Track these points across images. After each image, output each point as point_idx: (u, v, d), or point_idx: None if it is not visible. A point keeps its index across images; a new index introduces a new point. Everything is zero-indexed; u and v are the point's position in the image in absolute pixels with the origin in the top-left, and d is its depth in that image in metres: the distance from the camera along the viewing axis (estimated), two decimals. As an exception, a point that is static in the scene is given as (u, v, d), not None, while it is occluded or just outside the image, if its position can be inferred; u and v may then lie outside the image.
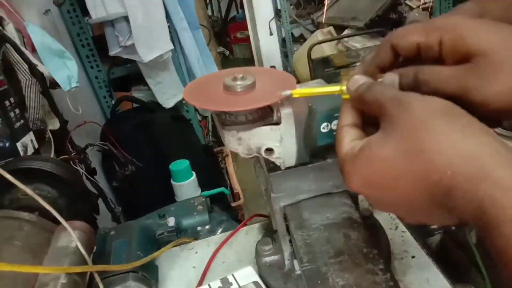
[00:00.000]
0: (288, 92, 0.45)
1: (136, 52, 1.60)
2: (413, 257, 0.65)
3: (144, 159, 1.52)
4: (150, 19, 1.56)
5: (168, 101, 1.85)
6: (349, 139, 0.38)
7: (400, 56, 0.39)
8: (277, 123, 0.50)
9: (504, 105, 0.33)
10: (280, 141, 0.51)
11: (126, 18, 1.57)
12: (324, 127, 0.51)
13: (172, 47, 1.69)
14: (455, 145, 0.29)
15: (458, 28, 0.34)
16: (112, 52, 1.68)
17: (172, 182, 1.43)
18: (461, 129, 0.29)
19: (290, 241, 0.60)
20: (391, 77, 0.39)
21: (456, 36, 0.34)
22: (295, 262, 0.61)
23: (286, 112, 0.49)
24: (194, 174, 1.45)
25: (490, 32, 0.33)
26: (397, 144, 0.31)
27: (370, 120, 0.39)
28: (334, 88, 0.42)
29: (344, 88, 0.41)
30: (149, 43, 1.59)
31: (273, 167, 0.56)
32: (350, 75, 0.42)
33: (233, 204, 1.88)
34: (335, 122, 0.50)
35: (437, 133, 0.30)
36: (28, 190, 0.47)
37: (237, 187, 2.15)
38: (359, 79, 0.39)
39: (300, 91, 0.45)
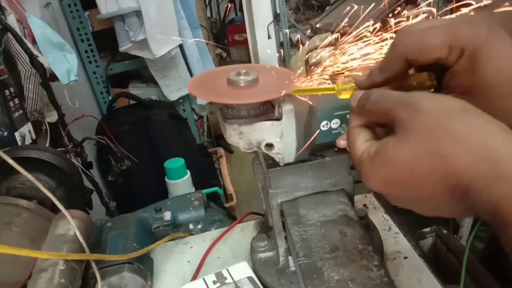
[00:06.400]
0: (288, 90, 0.46)
1: (146, 48, 1.59)
2: (405, 258, 0.66)
3: (140, 155, 1.52)
4: (162, 13, 1.55)
5: (173, 94, 1.86)
6: (363, 140, 0.38)
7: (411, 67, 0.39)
8: (278, 118, 0.51)
9: None
10: (280, 136, 0.52)
11: (136, 13, 1.56)
12: (324, 125, 0.52)
13: (180, 41, 1.68)
14: (472, 146, 0.29)
15: (478, 55, 0.34)
16: (122, 48, 1.67)
17: (167, 179, 1.43)
18: (477, 130, 0.29)
19: (286, 238, 0.60)
20: None
21: (474, 65, 0.34)
22: (290, 258, 0.62)
23: (287, 108, 0.50)
24: (189, 172, 1.45)
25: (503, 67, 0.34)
26: (414, 148, 0.32)
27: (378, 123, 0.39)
28: (330, 88, 0.43)
29: (340, 87, 0.42)
30: (160, 38, 1.59)
31: (272, 164, 0.57)
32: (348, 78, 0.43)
33: (226, 205, 1.88)
34: (334, 120, 0.52)
35: (454, 136, 0.30)
36: (30, 177, 0.48)
37: (230, 188, 2.15)
38: (358, 93, 0.39)
39: (299, 89, 0.46)
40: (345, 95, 0.42)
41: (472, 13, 0.41)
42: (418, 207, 0.36)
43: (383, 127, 0.39)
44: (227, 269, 0.61)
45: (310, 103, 0.51)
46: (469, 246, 0.58)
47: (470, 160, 0.29)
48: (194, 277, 0.68)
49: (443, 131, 0.30)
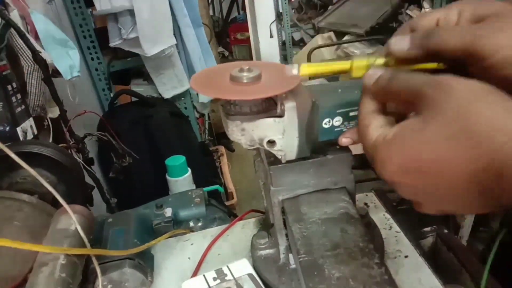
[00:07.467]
0: (295, 71, 0.45)
1: (138, 46, 1.61)
2: (406, 256, 0.66)
3: (141, 152, 1.53)
4: (156, 14, 1.57)
5: (167, 92, 1.89)
6: (377, 125, 0.37)
7: None
8: (281, 115, 0.51)
9: (508, 58, 0.33)
10: (282, 133, 0.51)
11: (130, 12, 1.58)
12: (326, 123, 0.52)
13: (175, 42, 1.70)
14: (505, 127, 0.28)
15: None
16: (112, 44, 1.69)
17: (168, 177, 1.43)
18: (509, 110, 0.28)
19: (287, 235, 0.60)
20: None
21: (475, 5, 0.36)
22: (291, 256, 0.62)
23: (289, 105, 0.50)
24: (190, 170, 1.45)
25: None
26: (441, 129, 0.30)
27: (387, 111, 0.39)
28: (344, 65, 0.43)
29: (354, 64, 0.41)
30: (153, 38, 1.60)
31: (273, 161, 0.57)
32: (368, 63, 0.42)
33: (227, 203, 1.89)
34: (337, 118, 0.52)
35: (485, 116, 0.28)
36: (32, 171, 0.48)
37: (231, 187, 2.15)
38: (376, 72, 0.38)
39: (308, 68, 0.45)
40: (359, 73, 0.41)
41: None
42: (429, 199, 0.35)
43: (395, 115, 0.38)
44: (228, 266, 0.61)
45: (313, 100, 0.51)
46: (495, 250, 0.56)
47: (505, 140, 0.27)
48: (194, 274, 0.68)
49: (475, 110, 0.29)
